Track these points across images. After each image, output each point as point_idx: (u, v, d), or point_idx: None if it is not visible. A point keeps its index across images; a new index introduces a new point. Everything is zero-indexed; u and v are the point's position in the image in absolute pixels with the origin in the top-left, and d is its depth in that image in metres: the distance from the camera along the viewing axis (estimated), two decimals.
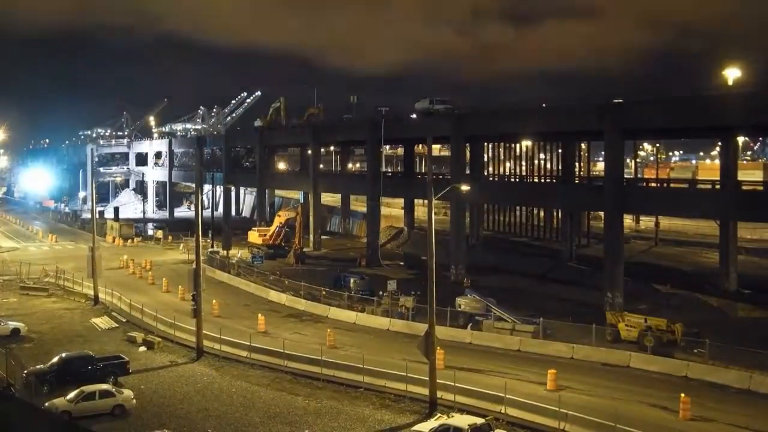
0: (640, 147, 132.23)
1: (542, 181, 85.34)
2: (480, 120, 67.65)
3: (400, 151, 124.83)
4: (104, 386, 34.34)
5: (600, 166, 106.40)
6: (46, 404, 32.06)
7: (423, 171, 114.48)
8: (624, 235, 58.87)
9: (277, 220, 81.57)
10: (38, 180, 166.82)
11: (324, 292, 56.53)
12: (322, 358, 38.58)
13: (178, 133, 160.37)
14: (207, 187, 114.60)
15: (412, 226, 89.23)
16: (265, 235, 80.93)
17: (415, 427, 30.59)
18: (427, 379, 33.52)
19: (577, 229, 75.58)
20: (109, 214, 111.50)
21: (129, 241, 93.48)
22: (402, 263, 75.06)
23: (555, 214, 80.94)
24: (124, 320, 51.33)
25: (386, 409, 33.72)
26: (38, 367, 37.80)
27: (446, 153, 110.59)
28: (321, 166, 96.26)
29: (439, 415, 31.92)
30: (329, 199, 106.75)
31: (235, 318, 51.71)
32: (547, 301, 55.17)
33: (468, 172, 76.66)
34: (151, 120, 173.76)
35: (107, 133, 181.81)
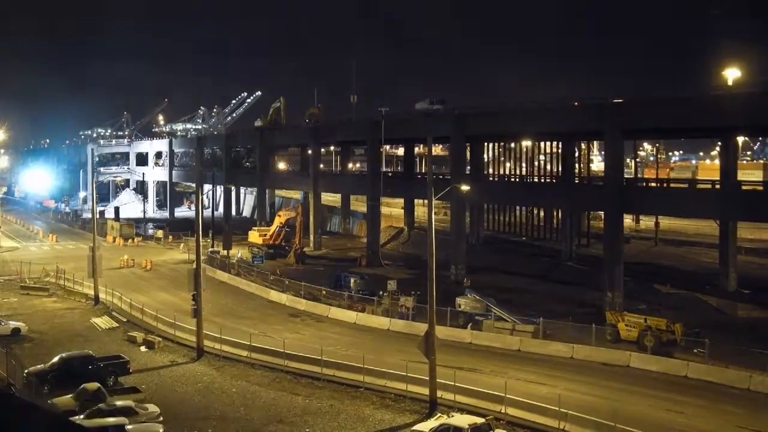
0: (640, 147, 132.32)
1: (542, 181, 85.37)
2: (480, 120, 67.66)
3: (400, 151, 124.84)
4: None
5: (599, 165, 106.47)
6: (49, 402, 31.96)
7: (423, 171, 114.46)
8: (624, 235, 58.89)
9: (278, 220, 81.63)
10: (39, 180, 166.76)
11: (324, 292, 56.63)
12: (322, 357, 38.61)
13: (179, 133, 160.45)
14: (207, 187, 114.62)
15: (412, 226, 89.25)
16: (265, 234, 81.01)
17: (415, 427, 30.63)
18: (427, 379, 33.56)
19: (577, 229, 75.62)
20: (109, 213, 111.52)
21: (129, 240, 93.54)
22: (402, 263, 75.08)
23: (555, 214, 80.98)
24: (124, 320, 51.35)
25: (386, 409, 33.75)
26: (38, 366, 37.83)
27: (445, 153, 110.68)
28: (321, 166, 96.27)
29: (439, 414, 31.97)
30: (329, 199, 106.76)
31: (235, 318, 51.74)
32: (547, 301, 55.22)
33: (468, 172, 76.70)
34: (151, 120, 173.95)
35: (107, 133, 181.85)
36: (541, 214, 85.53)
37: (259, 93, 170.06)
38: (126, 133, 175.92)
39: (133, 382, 37.34)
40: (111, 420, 30.10)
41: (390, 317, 49.37)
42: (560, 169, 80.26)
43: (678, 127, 55.27)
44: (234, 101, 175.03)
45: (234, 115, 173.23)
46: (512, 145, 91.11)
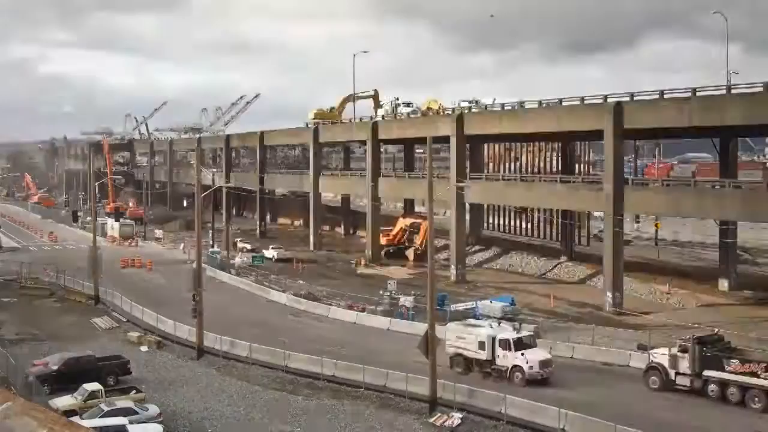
0: (640, 147, 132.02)
1: (542, 181, 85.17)
2: (480, 120, 67.66)
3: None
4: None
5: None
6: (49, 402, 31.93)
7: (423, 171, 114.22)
8: (624, 234, 58.85)
9: (402, 223, 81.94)
10: (39, 180, 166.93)
11: (324, 292, 56.66)
12: (322, 358, 38.63)
13: (181, 134, 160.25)
14: None
15: (413, 226, 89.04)
16: (389, 235, 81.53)
17: None
18: (427, 379, 33.56)
19: (577, 229, 75.60)
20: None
21: (129, 240, 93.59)
22: (402, 263, 75.11)
23: (555, 213, 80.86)
24: (124, 320, 51.40)
25: (386, 409, 33.76)
26: (39, 367, 37.81)
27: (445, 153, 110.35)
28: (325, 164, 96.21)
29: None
30: (330, 198, 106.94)
31: (235, 318, 51.71)
32: (546, 301, 55.21)
33: (468, 171, 76.66)
34: (152, 120, 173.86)
35: (108, 133, 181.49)
36: (542, 213, 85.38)
37: (260, 93, 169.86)
38: (126, 133, 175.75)
39: (133, 382, 37.33)
40: (111, 420, 30.05)
41: (390, 317, 49.38)
42: (560, 168, 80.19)
43: (678, 127, 55.16)
44: (234, 101, 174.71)
45: (234, 114, 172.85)
46: (512, 144, 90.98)
